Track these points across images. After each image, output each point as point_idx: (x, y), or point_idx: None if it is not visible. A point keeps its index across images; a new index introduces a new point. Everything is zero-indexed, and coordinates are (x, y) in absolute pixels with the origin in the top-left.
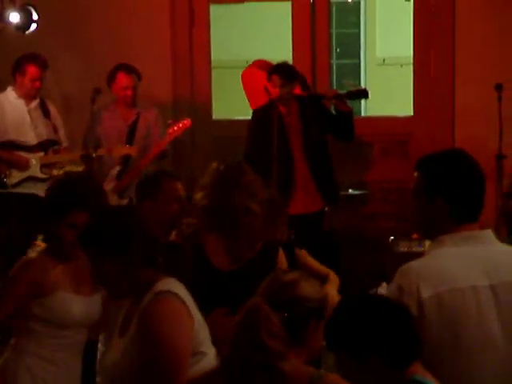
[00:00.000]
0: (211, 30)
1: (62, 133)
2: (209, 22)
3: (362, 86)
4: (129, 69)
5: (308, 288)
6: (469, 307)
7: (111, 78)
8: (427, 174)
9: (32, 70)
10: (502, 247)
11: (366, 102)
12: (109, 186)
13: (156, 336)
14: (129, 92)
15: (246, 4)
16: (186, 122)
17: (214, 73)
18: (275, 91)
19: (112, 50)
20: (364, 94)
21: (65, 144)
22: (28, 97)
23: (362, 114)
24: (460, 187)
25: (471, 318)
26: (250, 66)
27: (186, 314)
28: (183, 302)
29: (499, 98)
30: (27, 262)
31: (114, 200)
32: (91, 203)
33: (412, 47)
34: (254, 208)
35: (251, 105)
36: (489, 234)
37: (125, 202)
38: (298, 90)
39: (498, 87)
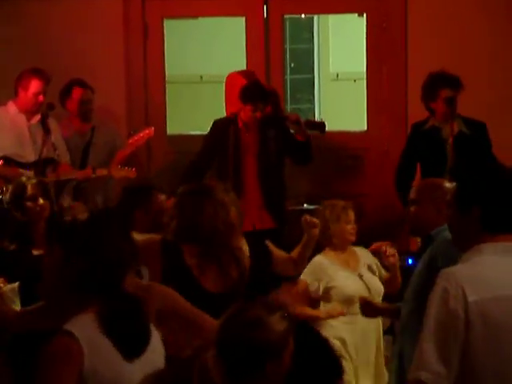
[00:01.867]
0: (165, 45)
1: (61, 150)
2: (163, 36)
3: (316, 104)
4: (83, 83)
5: (271, 327)
6: (511, 316)
7: (66, 94)
8: (463, 183)
9: (35, 84)
10: None
11: (319, 116)
12: (67, 199)
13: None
14: (88, 106)
15: (200, 19)
16: (147, 131)
17: (168, 88)
18: (255, 116)
19: (65, 65)
20: (321, 127)
21: (64, 161)
22: (30, 111)
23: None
24: (498, 197)
25: None
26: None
27: (75, 356)
28: (77, 344)
29: (451, 113)
30: None
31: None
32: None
33: (365, 62)
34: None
35: (226, 110)
36: None
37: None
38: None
39: (450, 101)
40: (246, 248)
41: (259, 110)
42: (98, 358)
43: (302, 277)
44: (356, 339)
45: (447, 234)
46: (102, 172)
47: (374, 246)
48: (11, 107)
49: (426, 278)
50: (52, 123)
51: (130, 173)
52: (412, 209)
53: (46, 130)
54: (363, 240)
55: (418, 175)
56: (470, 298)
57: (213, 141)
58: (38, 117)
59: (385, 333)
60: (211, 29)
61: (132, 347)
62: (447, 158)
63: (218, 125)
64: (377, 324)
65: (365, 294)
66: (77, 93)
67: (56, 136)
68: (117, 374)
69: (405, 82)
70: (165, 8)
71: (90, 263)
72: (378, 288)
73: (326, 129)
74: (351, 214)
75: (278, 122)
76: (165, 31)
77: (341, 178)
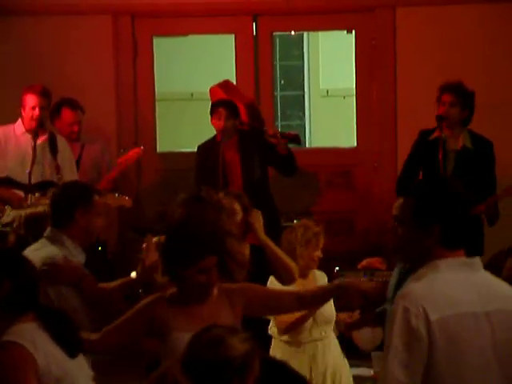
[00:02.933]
0: (155, 63)
1: (67, 172)
2: (152, 54)
3: (306, 121)
4: (73, 104)
5: (233, 346)
6: (472, 333)
7: (55, 113)
8: (420, 200)
9: (29, 99)
10: (487, 274)
11: (310, 133)
12: None
13: None
14: (75, 128)
15: (189, 37)
16: (136, 150)
17: (158, 105)
18: (220, 123)
19: (55, 83)
20: (295, 139)
21: None
22: (32, 129)
23: (307, 145)
24: (456, 214)
25: (474, 345)
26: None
27: (25, 363)
28: (24, 349)
29: (441, 129)
30: (153, 298)
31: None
32: (219, 247)
33: (354, 79)
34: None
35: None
36: (478, 260)
37: None
38: (244, 117)
39: (439, 119)
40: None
41: (223, 118)
42: (49, 358)
43: None
44: (306, 364)
45: None
46: (99, 200)
47: (365, 262)
48: (18, 127)
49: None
50: (61, 143)
51: (126, 201)
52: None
53: (53, 151)
54: (353, 256)
55: None
56: (432, 317)
57: (200, 165)
58: (45, 136)
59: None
60: (201, 46)
61: (73, 345)
62: (446, 170)
63: (201, 149)
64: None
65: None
66: (66, 114)
67: (64, 156)
68: (65, 370)
69: (394, 98)
70: (154, 26)
71: (16, 285)
72: (328, 315)
73: (316, 145)
74: (322, 241)
75: (257, 136)
76: (154, 49)
77: (330, 195)
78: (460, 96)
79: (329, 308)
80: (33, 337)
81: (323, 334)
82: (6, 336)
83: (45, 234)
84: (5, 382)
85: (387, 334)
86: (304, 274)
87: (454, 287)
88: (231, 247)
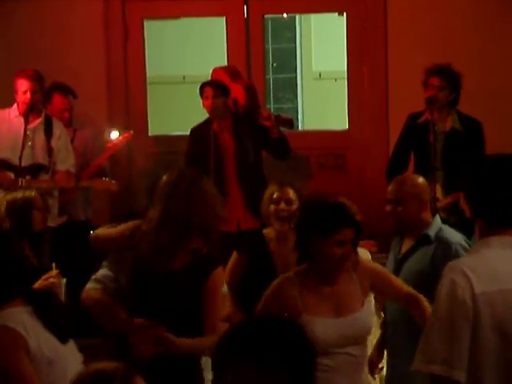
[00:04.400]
0: (146, 46)
1: (62, 156)
2: (143, 37)
3: (298, 103)
4: (65, 90)
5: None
6: None
7: (47, 99)
8: (471, 182)
9: (20, 83)
10: None
11: (302, 116)
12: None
13: None
14: (65, 114)
15: (180, 20)
16: (126, 134)
17: (149, 88)
18: (208, 103)
19: (46, 68)
20: (288, 123)
21: (61, 168)
22: (24, 113)
23: (299, 128)
24: (491, 194)
25: None
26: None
27: (18, 346)
28: (18, 334)
29: (431, 111)
30: (283, 279)
31: (52, 217)
32: (355, 219)
33: (346, 62)
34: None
35: None
36: None
37: (63, 219)
38: (241, 99)
39: (430, 101)
40: None
41: (210, 96)
42: (40, 340)
43: None
44: None
45: (448, 236)
46: (85, 183)
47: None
48: (13, 111)
49: (433, 280)
50: (57, 127)
51: (112, 185)
52: (397, 209)
53: (48, 134)
54: None
55: (411, 166)
56: (477, 290)
57: (192, 149)
58: (39, 120)
59: None
60: (192, 29)
61: (64, 331)
62: (436, 152)
63: (194, 132)
64: None
65: None
66: (56, 100)
67: (60, 141)
68: (57, 352)
69: (385, 81)
70: (145, 9)
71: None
72: None
73: (308, 128)
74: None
75: (251, 119)
76: (145, 32)
77: (323, 178)
78: (448, 79)
79: None
80: (23, 320)
81: None
82: None
83: None
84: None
85: (433, 306)
86: None
87: (503, 264)
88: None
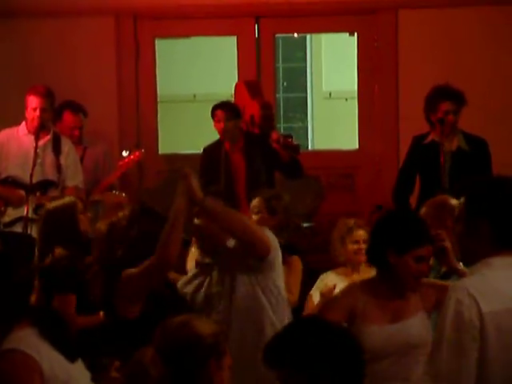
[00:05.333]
0: (157, 65)
1: (71, 173)
2: (154, 56)
3: (309, 123)
4: (75, 108)
5: (200, 327)
6: None
7: (57, 116)
8: (471, 198)
9: (31, 100)
10: None
11: (312, 135)
12: None
13: None
14: (76, 132)
15: (191, 38)
16: (137, 153)
17: (160, 107)
18: (219, 126)
19: (57, 85)
20: (295, 150)
21: (70, 184)
22: (34, 130)
23: (309, 148)
24: (507, 210)
25: None
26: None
27: (32, 371)
28: (31, 358)
29: (442, 132)
30: (349, 286)
31: None
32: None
33: (356, 81)
34: None
35: None
36: None
37: None
38: (258, 117)
39: (441, 121)
40: None
41: (222, 120)
42: (53, 362)
43: (311, 292)
44: None
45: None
46: (96, 197)
47: None
48: (22, 129)
49: None
50: (66, 144)
51: (122, 199)
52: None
53: (56, 151)
54: None
55: (417, 189)
56: (485, 309)
57: (204, 168)
58: (48, 137)
59: None
60: (203, 48)
61: (72, 350)
62: (443, 173)
63: (207, 151)
64: None
65: None
66: (67, 118)
67: (68, 157)
68: (69, 373)
69: (396, 100)
70: (156, 28)
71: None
72: None
73: (318, 147)
74: (359, 234)
75: (264, 139)
76: (156, 50)
77: (332, 197)
78: (460, 103)
79: None
80: (35, 342)
81: None
82: (7, 344)
83: None
84: None
85: (439, 327)
86: (353, 268)
87: (506, 283)
88: None
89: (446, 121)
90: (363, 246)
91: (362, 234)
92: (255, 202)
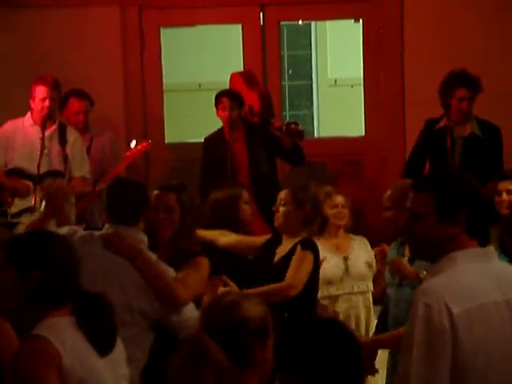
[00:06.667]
0: (162, 54)
1: (77, 163)
2: (160, 45)
3: (314, 110)
4: (81, 94)
5: (248, 308)
6: (494, 322)
7: (63, 104)
8: (444, 192)
9: (39, 90)
10: (501, 263)
11: (318, 123)
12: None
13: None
14: (80, 117)
15: (196, 27)
16: (144, 143)
17: (166, 96)
18: (225, 114)
19: (63, 76)
20: (299, 135)
21: (77, 175)
22: (41, 121)
23: (315, 135)
24: (479, 202)
25: (497, 333)
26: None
27: (49, 361)
28: (51, 345)
29: (448, 117)
30: None
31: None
32: None
33: (362, 68)
34: None
35: None
36: (492, 249)
37: (82, 227)
38: (257, 106)
39: (447, 106)
40: None
41: (227, 108)
42: (75, 357)
43: None
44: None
45: None
46: (103, 185)
47: (375, 250)
48: (27, 120)
49: None
50: (71, 134)
51: None
52: (387, 214)
53: (62, 141)
54: None
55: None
56: (455, 310)
57: (207, 158)
58: (53, 127)
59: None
60: (208, 36)
61: (106, 343)
62: (454, 158)
63: (208, 141)
64: (364, 300)
65: (343, 276)
66: (72, 103)
67: (74, 147)
68: (91, 370)
69: (402, 87)
70: (161, 17)
71: (46, 276)
72: (362, 273)
73: (324, 134)
74: (336, 199)
75: (264, 128)
76: (162, 40)
77: (339, 184)
78: (475, 90)
79: (361, 264)
80: (63, 333)
81: (356, 288)
82: (36, 329)
83: None
84: (27, 376)
85: (408, 332)
86: (333, 233)
87: (473, 278)
88: None
89: (467, 110)
90: (342, 210)
91: (340, 199)
92: (282, 194)
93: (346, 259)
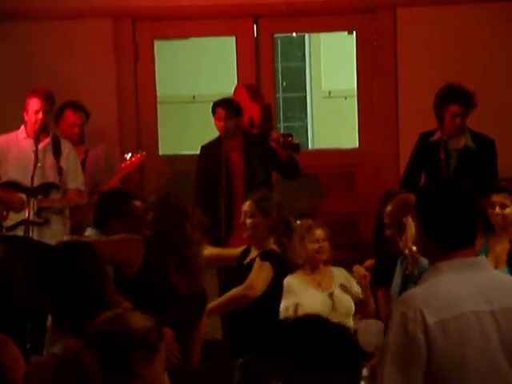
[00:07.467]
0: (156, 66)
1: (72, 175)
2: (153, 57)
3: (308, 122)
4: (77, 106)
5: (132, 319)
6: (473, 333)
7: (58, 116)
8: (423, 201)
9: (32, 102)
10: (495, 273)
11: (312, 134)
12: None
13: None
14: (76, 129)
15: (190, 39)
16: (139, 155)
17: (159, 108)
18: (220, 124)
19: (56, 88)
20: (295, 148)
21: (72, 187)
22: (35, 134)
23: (309, 147)
24: (437, 217)
25: (476, 344)
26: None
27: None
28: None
29: (442, 129)
30: None
31: (66, 237)
32: None
33: (356, 80)
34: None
35: None
36: (483, 259)
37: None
38: (257, 119)
39: (441, 118)
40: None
41: (223, 118)
42: None
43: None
44: None
45: None
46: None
47: (355, 267)
48: (21, 133)
49: None
50: (65, 146)
51: None
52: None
53: (56, 153)
54: (356, 257)
55: None
56: (430, 321)
57: (202, 166)
58: (47, 140)
59: None
60: (202, 49)
61: None
62: (449, 170)
63: (204, 150)
64: None
65: (330, 312)
66: (68, 115)
67: (68, 160)
68: None
69: (395, 98)
70: (155, 29)
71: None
72: (348, 307)
73: (318, 146)
74: (318, 233)
75: (262, 140)
76: (155, 52)
77: (333, 196)
78: (468, 106)
79: (349, 302)
80: None
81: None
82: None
83: None
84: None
85: (385, 339)
86: (314, 268)
87: (456, 288)
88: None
89: (460, 126)
90: (323, 244)
91: (320, 233)
92: (246, 206)
93: (331, 295)
